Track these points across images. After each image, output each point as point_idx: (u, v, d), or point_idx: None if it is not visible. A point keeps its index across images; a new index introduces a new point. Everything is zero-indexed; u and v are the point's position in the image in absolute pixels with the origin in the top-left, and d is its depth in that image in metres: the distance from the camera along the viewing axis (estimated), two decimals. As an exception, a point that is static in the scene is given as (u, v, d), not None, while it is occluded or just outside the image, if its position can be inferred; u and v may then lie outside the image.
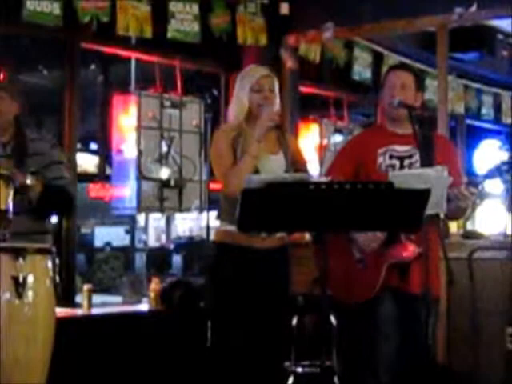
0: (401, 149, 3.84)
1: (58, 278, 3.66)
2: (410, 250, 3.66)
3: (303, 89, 7.30)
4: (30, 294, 3.48)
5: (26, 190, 3.70)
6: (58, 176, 3.97)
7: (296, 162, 3.91)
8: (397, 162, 3.84)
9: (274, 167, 3.81)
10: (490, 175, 3.68)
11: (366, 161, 3.85)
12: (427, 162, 3.69)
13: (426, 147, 3.80)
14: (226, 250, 3.83)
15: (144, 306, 5.78)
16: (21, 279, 3.44)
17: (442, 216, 3.75)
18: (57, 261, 3.68)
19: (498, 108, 9.76)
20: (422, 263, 3.47)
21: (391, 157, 3.85)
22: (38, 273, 3.53)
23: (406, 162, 3.83)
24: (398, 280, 3.74)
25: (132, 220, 12.31)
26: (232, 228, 3.48)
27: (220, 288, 3.86)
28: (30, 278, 3.48)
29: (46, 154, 3.96)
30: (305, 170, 3.93)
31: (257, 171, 3.72)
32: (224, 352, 3.82)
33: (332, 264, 3.77)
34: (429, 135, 4.01)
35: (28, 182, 3.70)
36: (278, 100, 3.87)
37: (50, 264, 3.61)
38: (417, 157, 3.79)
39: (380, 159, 3.84)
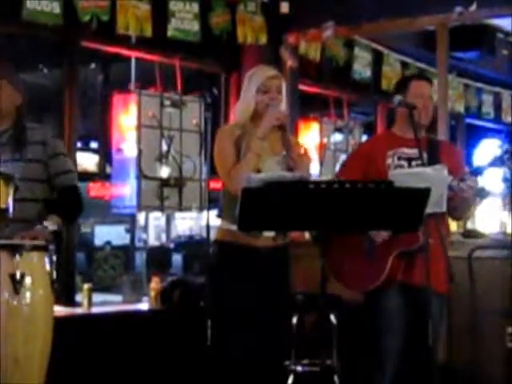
0: (409, 151, 3.90)
1: (55, 275, 3.65)
2: (418, 239, 3.68)
3: (303, 87, 7.31)
4: (27, 291, 3.47)
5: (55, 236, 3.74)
6: (67, 169, 3.94)
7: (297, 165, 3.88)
8: (405, 163, 3.92)
9: (276, 168, 3.79)
10: (492, 164, 3.76)
11: (375, 162, 3.93)
12: (434, 162, 3.78)
13: (432, 149, 3.94)
14: (227, 249, 3.82)
15: (144, 305, 5.78)
16: (18, 276, 3.43)
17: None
18: (54, 258, 3.67)
19: (498, 107, 9.77)
20: (427, 257, 3.52)
21: (400, 158, 3.93)
22: (35, 270, 3.51)
23: (414, 163, 3.88)
24: (404, 273, 3.81)
25: (132, 219, 12.27)
26: (233, 227, 3.47)
27: (220, 287, 3.86)
28: (27, 276, 3.46)
29: (48, 143, 3.90)
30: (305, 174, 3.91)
31: (258, 171, 3.69)
32: (224, 351, 3.82)
33: (341, 253, 3.85)
34: (434, 139, 4.20)
35: (50, 228, 3.71)
36: (284, 102, 3.86)
37: (47, 261, 3.60)
38: (424, 158, 3.84)
39: (389, 160, 3.93)
